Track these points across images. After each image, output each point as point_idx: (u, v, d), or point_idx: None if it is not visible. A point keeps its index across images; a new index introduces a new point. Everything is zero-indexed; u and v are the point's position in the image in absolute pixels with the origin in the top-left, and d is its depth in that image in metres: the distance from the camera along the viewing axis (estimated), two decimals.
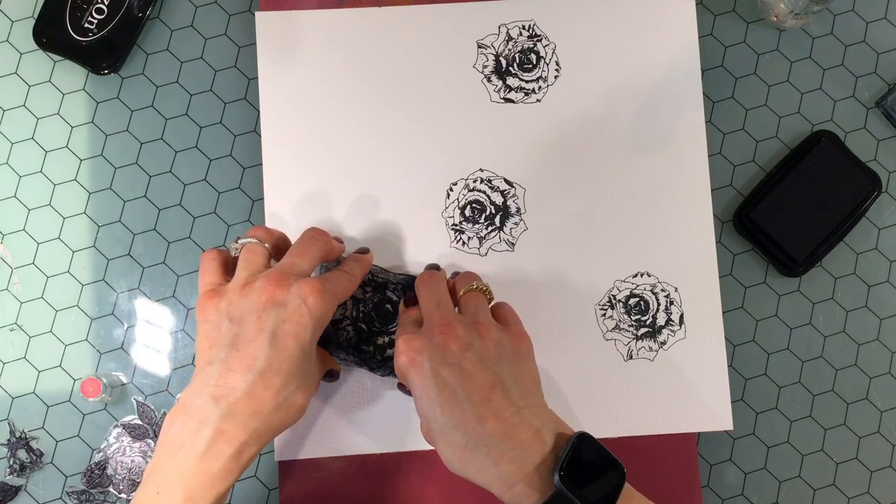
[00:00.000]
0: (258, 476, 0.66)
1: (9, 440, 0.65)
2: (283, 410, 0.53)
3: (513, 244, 0.67)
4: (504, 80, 0.68)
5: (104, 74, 0.68)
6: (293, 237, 0.65)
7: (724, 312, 0.67)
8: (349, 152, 0.67)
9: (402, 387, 0.60)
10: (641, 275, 0.67)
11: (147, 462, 0.65)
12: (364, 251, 0.64)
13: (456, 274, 0.65)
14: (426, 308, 0.58)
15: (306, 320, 0.53)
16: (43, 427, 0.65)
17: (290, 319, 0.53)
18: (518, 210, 0.67)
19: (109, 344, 0.66)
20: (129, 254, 0.67)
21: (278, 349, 0.52)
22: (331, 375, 0.62)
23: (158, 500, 0.51)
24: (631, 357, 0.66)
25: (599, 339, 0.66)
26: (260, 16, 0.67)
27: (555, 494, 0.49)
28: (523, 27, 0.68)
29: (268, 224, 0.66)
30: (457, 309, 0.59)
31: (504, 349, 0.55)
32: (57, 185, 0.67)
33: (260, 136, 0.67)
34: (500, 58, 0.68)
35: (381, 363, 0.63)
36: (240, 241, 0.58)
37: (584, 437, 0.51)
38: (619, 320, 0.66)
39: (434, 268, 0.64)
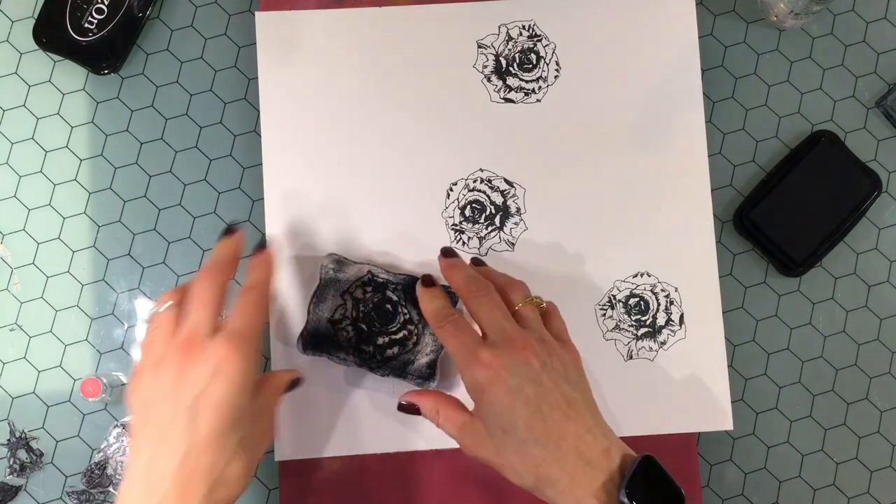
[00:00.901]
0: (258, 476, 0.66)
1: (9, 440, 0.65)
2: (221, 488, 0.51)
3: (513, 244, 0.67)
4: (504, 80, 0.68)
5: (104, 74, 0.68)
6: (291, 236, 0.65)
7: (724, 312, 0.67)
8: (349, 152, 0.67)
9: (402, 408, 0.59)
10: (641, 275, 0.67)
11: None
12: (261, 246, 0.58)
13: (478, 261, 0.62)
14: (492, 320, 0.56)
15: (224, 385, 0.50)
16: (43, 427, 0.65)
17: (207, 390, 0.50)
18: (518, 210, 0.67)
19: (109, 344, 0.66)
20: (129, 254, 0.67)
21: (200, 426, 0.50)
22: (296, 384, 0.60)
23: None
24: (631, 357, 0.66)
25: (599, 339, 0.66)
26: (260, 16, 0.67)
27: None
28: (523, 27, 0.68)
29: (267, 224, 0.65)
30: None
31: (569, 367, 0.55)
32: (57, 185, 0.67)
33: (260, 136, 0.67)
34: (500, 58, 0.68)
35: (381, 363, 0.63)
36: (149, 315, 0.56)
37: (649, 460, 0.52)
38: (619, 320, 0.66)
39: (450, 252, 0.60)
